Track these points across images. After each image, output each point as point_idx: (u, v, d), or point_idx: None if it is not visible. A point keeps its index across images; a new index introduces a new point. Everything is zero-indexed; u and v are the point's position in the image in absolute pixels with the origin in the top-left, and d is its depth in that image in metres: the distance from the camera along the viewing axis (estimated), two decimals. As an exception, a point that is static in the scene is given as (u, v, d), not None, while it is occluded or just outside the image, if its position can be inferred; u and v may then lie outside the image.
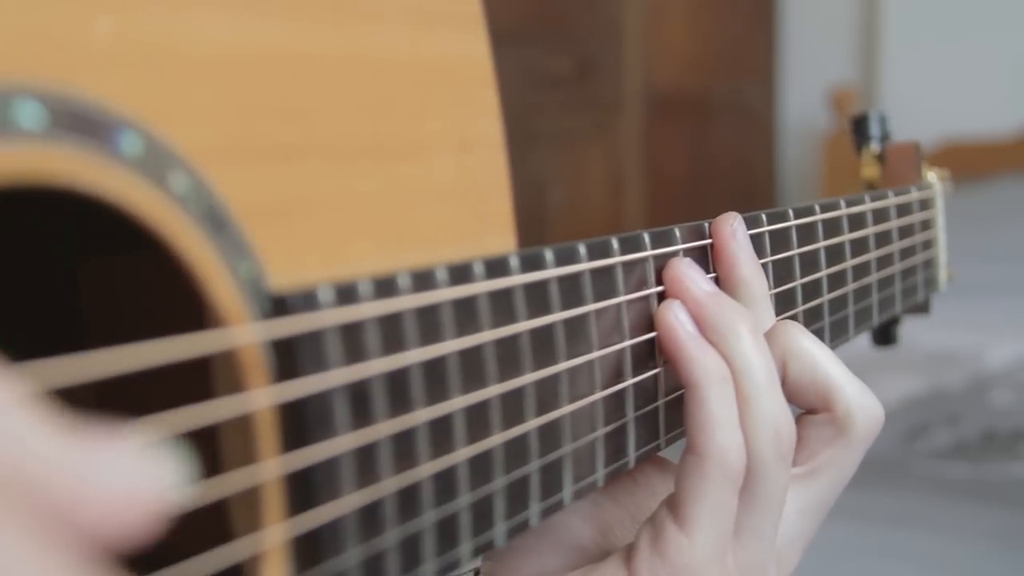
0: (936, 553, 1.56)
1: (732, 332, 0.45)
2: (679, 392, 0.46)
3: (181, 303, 0.31)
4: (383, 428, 0.32)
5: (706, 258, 0.48)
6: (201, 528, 0.31)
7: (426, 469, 0.34)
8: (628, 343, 0.43)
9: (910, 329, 0.80)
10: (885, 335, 0.79)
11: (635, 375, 0.44)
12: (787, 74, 3.32)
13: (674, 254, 0.46)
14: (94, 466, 0.22)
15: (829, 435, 0.49)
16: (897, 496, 1.71)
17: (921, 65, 3.06)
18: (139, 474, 0.22)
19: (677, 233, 0.46)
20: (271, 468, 0.30)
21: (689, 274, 0.46)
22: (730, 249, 0.49)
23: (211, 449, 0.30)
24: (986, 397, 2.17)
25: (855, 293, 0.61)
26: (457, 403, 0.35)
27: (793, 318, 0.55)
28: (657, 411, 0.45)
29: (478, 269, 0.36)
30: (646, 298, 0.44)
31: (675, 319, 0.45)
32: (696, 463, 0.44)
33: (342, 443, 0.31)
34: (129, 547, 0.22)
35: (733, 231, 0.49)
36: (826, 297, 0.57)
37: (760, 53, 3.28)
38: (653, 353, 0.45)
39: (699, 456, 0.44)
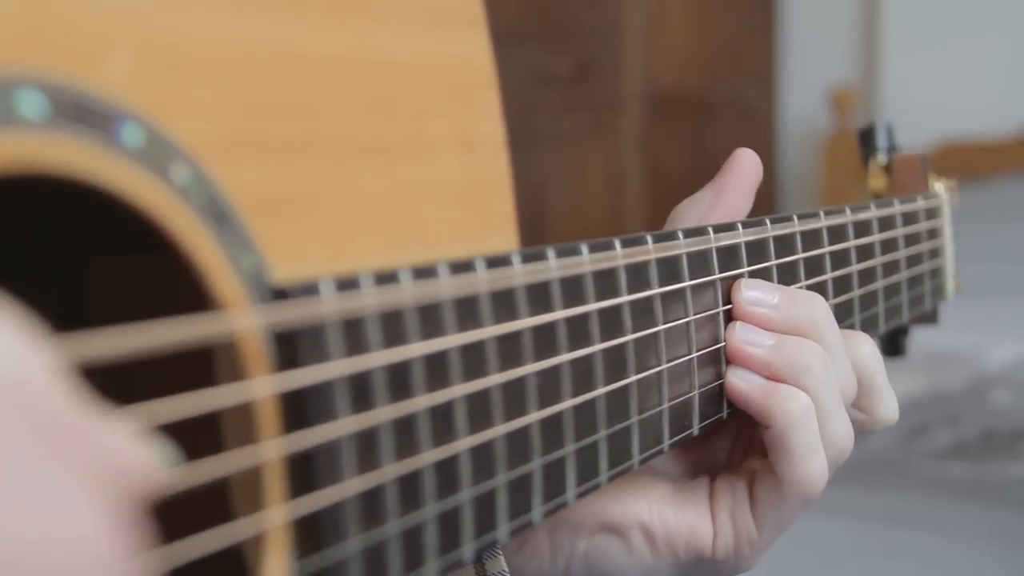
0: (936, 553, 1.56)
1: (801, 369, 0.48)
2: (683, 397, 0.46)
3: (183, 298, 0.31)
4: (383, 414, 0.32)
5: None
6: (205, 514, 0.31)
7: (427, 458, 0.34)
8: (631, 337, 0.43)
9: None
10: (894, 346, 0.79)
11: (638, 373, 0.44)
12: (787, 74, 3.32)
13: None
14: (98, 431, 0.24)
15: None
16: (897, 496, 1.71)
17: (921, 65, 3.06)
18: (135, 447, 0.24)
19: (680, 235, 0.46)
20: (272, 448, 0.30)
21: (748, 333, 0.49)
22: (756, 316, 0.49)
23: (215, 443, 0.30)
24: (986, 397, 2.17)
25: (861, 300, 0.61)
26: (457, 391, 0.35)
27: None
28: (662, 414, 0.45)
29: (480, 266, 0.36)
30: (649, 299, 0.44)
31: (740, 380, 0.49)
32: (776, 484, 0.49)
33: (342, 426, 0.31)
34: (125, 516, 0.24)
35: (747, 300, 0.49)
36: (831, 302, 0.57)
37: (760, 53, 3.28)
38: (658, 354, 0.45)
39: (780, 480, 0.49)
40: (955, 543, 1.58)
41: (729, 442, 0.55)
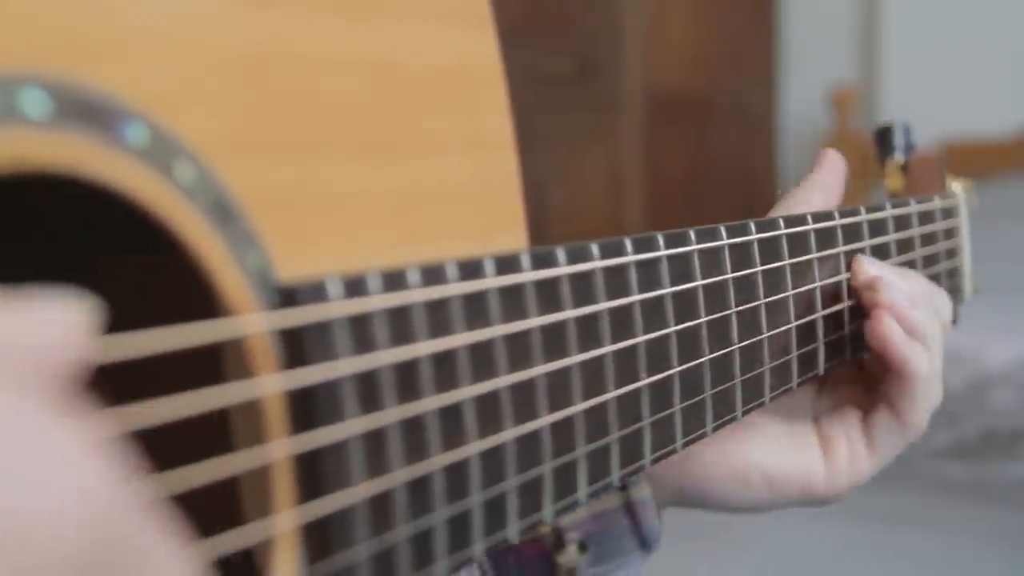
0: (936, 553, 1.56)
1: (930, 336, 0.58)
2: (697, 399, 0.46)
3: (189, 296, 0.31)
4: (391, 414, 0.32)
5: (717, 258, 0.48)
6: (214, 518, 0.30)
7: (437, 462, 0.33)
8: (642, 338, 0.43)
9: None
10: None
11: (650, 376, 0.43)
12: (787, 74, 3.32)
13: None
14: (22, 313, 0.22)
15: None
16: (897, 496, 1.72)
17: (921, 65, 3.06)
18: (59, 313, 0.23)
19: (692, 236, 0.46)
20: (280, 450, 0.30)
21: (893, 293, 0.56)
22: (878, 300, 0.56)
23: (225, 441, 0.30)
24: (986, 397, 2.17)
25: None
26: (467, 393, 0.34)
27: (812, 325, 0.54)
28: (673, 416, 0.45)
29: (488, 266, 0.36)
30: (661, 298, 0.44)
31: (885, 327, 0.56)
32: (899, 428, 0.59)
33: (351, 427, 0.31)
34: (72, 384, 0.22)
35: (872, 283, 0.56)
36: (847, 304, 0.57)
37: (760, 53, 3.28)
38: (668, 356, 0.44)
39: (904, 423, 0.59)
40: (955, 543, 1.59)
41: (815, 392, 0.61)
